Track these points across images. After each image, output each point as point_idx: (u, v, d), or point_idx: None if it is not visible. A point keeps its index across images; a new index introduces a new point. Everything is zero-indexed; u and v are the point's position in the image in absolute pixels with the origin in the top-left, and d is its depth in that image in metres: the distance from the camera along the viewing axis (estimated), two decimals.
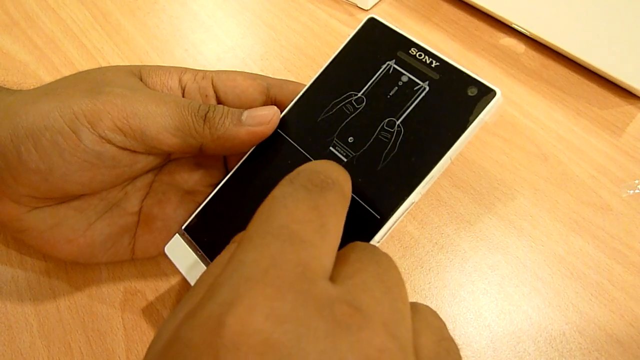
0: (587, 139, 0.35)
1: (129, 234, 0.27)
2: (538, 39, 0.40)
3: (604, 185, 0.32)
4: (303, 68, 0.39)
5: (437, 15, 0.43)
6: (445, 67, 0.23)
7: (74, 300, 0.28)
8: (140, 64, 0.40)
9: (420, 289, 0.28)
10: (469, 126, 0.21)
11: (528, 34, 0.40)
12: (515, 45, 0.41)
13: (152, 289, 0.28)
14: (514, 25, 0.41)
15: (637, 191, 0.32)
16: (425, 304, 0.19)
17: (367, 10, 0.43)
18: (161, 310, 0.27)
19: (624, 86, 0.37)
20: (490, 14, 0.42)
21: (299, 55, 0.40)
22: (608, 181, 0.33)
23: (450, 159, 0.22)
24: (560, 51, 0.39)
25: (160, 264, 0.29)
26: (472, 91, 0.22)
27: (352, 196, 0.22)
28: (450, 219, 0.31)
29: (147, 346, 0.26)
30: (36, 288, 0.28)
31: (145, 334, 0.26)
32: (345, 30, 0.42)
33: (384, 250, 0.21)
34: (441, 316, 0.18)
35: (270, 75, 0.39)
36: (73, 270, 0.28)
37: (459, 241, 0.30)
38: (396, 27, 0.24)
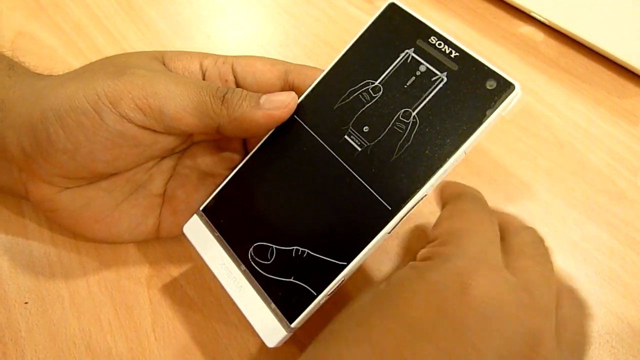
0: (604, 128, 0.35)
1: (154, 215, 0.28)
2: (557, 28, 0.40)
3: (620, 174, 0.33)
4: (322, 55, 0.40)
5: (455, 3, 0.43)
6: (464, 58, 0.22)
7: (103, 276, 0.29)
8: (162, 49, 0.41)
9: None
10: (485, 120, 0.21)
11: (547, 22, 0.40)
12: (533, 34, 0.41)
13: (177, 266, 0.29)
14: (532, 14, 0.41)
15: None
16: None
17: None
18: (185, 287, 0.29)
19: None
20: (508, 2, 0.42)
21: (318, 43, 0.41)
22: (624, 169, 0.33)
23: (465, 153, 0.22)
24: (579, 40, 0.39)
25: (185, 242, 0.30)
26: (490, 84, 0.21)
27: (364, 185, 0.22)
28: None
29: (172, 320, 0.27)
30: (67, 264, 0.29)
31: (170, 309, 0.28)
32: (364, 18, 0.42)
33: (398, 231, 0.22)
34: None
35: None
36: (102, 247, 0.30)
37: None
38: (417, 14, 0.23)
